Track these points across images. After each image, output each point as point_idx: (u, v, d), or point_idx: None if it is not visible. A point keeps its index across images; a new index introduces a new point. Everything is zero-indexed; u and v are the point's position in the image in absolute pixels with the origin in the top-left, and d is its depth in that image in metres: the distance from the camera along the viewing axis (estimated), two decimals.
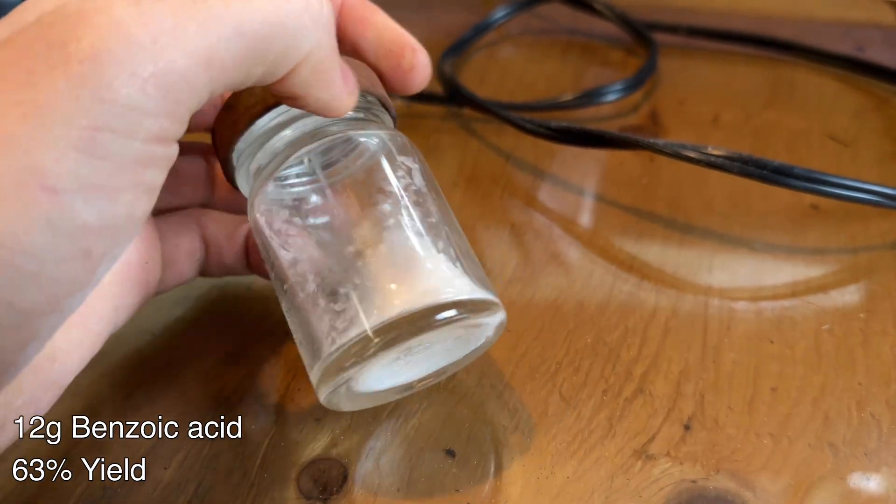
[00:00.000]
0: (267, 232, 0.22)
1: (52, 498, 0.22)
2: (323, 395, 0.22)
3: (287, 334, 0.27)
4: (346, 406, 0.23)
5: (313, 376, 0.21)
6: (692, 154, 0.30)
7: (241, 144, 0.22)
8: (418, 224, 0.22)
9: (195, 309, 0.29)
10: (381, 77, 0.22)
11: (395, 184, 0.22)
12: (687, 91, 0.43)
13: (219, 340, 0.27)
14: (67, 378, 0.21)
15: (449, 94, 0.40)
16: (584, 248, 0.32)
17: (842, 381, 0.25)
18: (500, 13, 0.50)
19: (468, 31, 0.48)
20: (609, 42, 0.49)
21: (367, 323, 0.20)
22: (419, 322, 0.20)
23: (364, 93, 0.22)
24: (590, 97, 0.41)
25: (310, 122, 0.22)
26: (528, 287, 0.30)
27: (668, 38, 0.47)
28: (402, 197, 0.22)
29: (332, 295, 0.21)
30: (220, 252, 0.26)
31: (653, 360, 0.26)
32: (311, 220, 0.23)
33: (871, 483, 0.22)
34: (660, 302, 0.29)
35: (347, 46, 0.21)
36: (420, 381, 0.24)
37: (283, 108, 0.22)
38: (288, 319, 0.22)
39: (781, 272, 0.30)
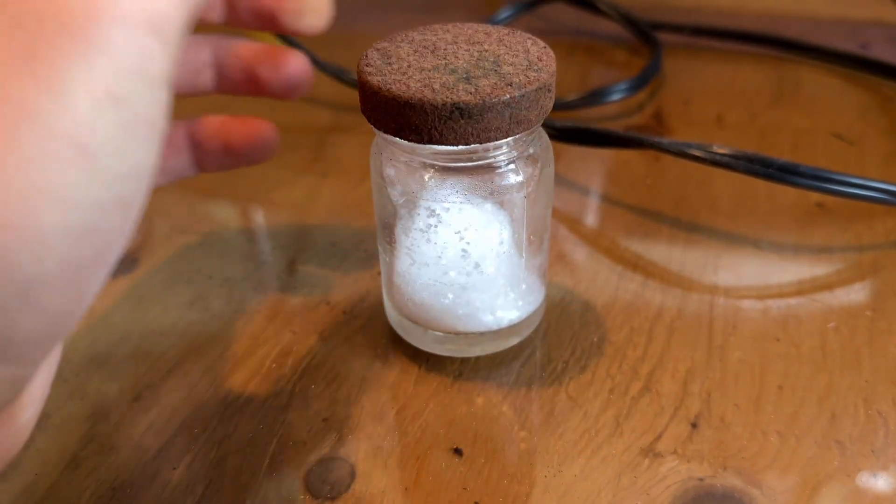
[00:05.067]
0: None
1: (62, 499, 0.22)
2: None
3: (294, 334, 0.28)
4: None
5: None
6: (697, 153, 0.30)
7: None
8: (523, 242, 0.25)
9: (202, 310, 0.29)
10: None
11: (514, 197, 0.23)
12: (691, 90, 0.43)
13: (226, 341, 0.28)
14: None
15: None
16: (589, 248, 0.32)
17: (848, 380, 0.25)
18: (503, 14, 0.50)
19: None
20: (613, 42, 0.49)
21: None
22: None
23: None
24: (594, 97, 0.41)
25: None
26: None
27: (673, 37, 0.47)
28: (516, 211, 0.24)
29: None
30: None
31: (659, 358, 0.26)
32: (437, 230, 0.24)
33: (878, 481, 0.22)
34: (665, 301, 0.29)
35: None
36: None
37: None
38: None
39: (787, 271, 0.30)
